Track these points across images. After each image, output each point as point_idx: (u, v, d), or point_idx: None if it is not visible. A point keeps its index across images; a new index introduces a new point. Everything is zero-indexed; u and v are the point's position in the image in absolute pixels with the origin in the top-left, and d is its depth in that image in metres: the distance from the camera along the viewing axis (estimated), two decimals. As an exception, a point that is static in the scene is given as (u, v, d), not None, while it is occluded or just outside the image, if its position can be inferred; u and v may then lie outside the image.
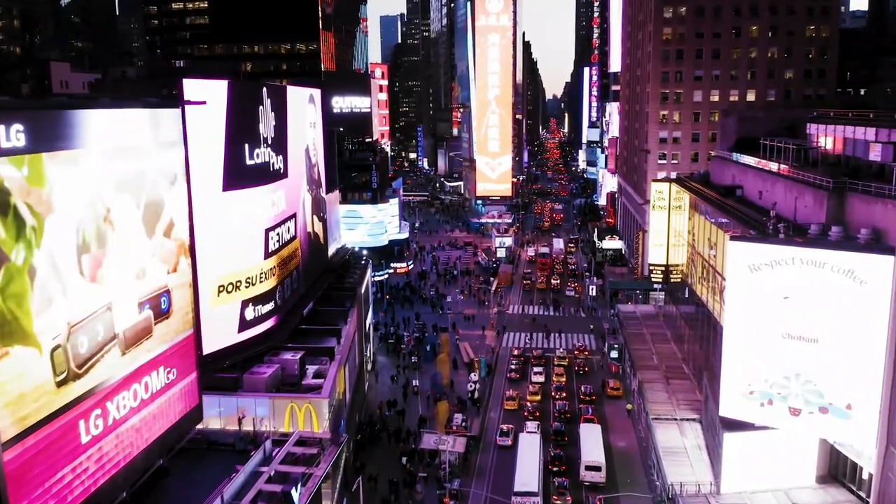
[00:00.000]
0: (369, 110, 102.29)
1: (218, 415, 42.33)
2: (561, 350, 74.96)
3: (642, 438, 57.44)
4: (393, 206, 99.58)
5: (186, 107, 38.89)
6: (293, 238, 53.30)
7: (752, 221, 45.30)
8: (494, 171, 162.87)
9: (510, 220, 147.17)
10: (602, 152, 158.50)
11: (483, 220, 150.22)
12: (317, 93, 62.05)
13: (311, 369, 47.43)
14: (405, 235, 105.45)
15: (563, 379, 68.51)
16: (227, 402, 42.06)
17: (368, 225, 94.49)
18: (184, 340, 34.77)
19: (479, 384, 66.12)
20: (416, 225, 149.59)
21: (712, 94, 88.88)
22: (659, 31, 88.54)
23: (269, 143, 47.88)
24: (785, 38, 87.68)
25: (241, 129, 44.32)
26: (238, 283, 44.48)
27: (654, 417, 52.54)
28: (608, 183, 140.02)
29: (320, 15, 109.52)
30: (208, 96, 41.46)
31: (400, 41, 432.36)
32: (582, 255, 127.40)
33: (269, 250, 47.85)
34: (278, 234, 49.48)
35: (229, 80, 43.50)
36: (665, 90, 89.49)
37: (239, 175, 44.26)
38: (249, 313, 45.75)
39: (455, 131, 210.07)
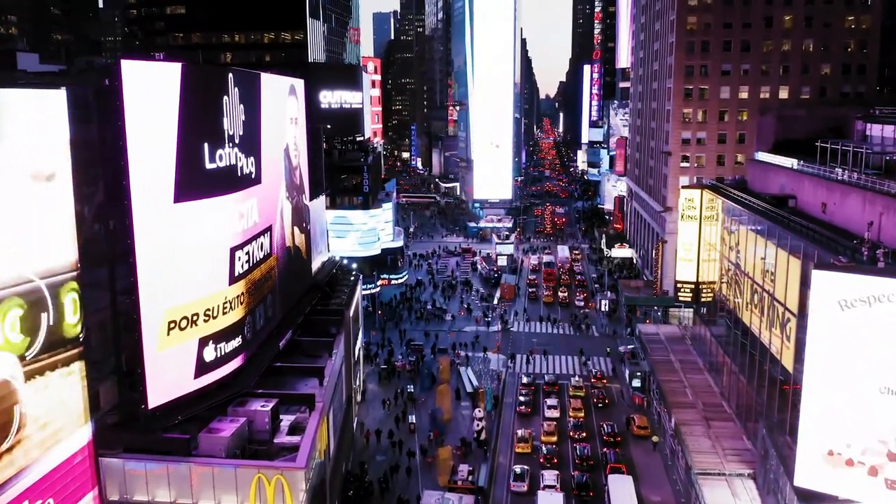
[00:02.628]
0: (360, 106, 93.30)
1: (167, 486, 33.46)
2: (577, 379, 66.21)
3: (680, 492, 48.94)
4: (386, 211, 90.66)
5: (130, 97, 30.27)
6: (268, 256, 44.45)
7: (837, 245, 36.68)
8: (494, 173, 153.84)
9: (510, 225, 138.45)
10: (608, 153, 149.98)
11: (482, 225, 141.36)
12: (299, 83, 53.20)
13: (285, 421, 38.71)
14: (399, 243, 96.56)
15: (581, 414, 59.94)
16: (178, 471, 33.16)
17: (359, 232, 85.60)
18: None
19: (485, 420, 57.43)
20: (411, 230, 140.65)
21: (741, 90, 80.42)
22: (683, 20, 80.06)
23: (237, 142, 39.00)
24: (821, 30, 79.30)
25: (199, 124, 35.48)
26: (194, 317, 35.58)
27: (700, 472, 44.06)
28: (615, 186, 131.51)
29: (307, 1, 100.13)
30: (156, 82, 32.67)
31: (393, 37, 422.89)
32: (589, 264, 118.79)
33: (236, 274, 38.98)
34: (248, 253, 40.60)
35: (183, 62, 34.57)
36: (689, 86, 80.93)
37: (196, 182, 35.39)
38: (209, 353, 36.84)
39: (451, 130, 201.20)
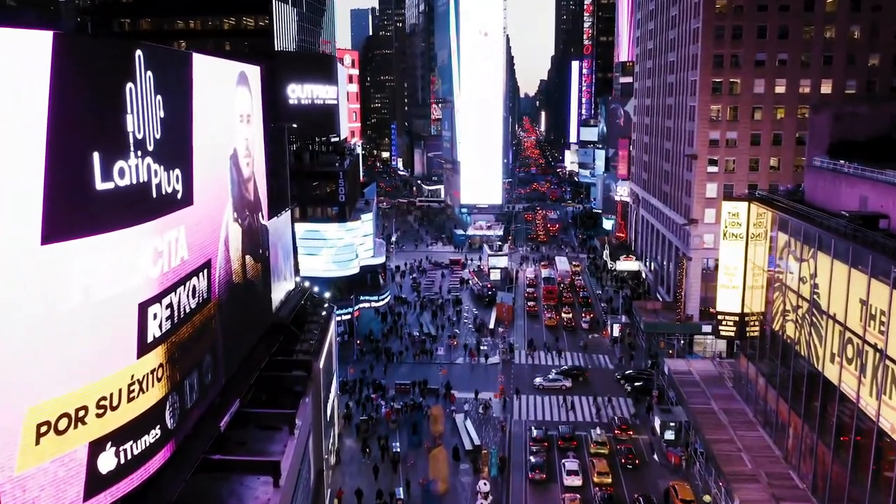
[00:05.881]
0: (335, 102, 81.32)
1: None
2: (598, 433, 54.74)
3: None
4: (366, 223, 78.75)
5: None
6: (205, 302, 32.55)
7: None
8: (482, 176, 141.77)
9: (501, 233, 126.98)
10: (607, 153, 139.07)
11: (470, 233, 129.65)
12: (253, 70, 41.24)
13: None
14: (381, 259, 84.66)
15: (609, 480, 48.74)
16: None
17: (334, 249, 73.68)
18: None
19: (491, 493, 45.92)
20: (393, 238, 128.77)
21: (777, 83, 69.49)
22: (711, 2, 68.93)
23: (151, 148, 27.06)
24: (869, 15, 68.63)
25: (83, 124, 23.57)
26: (81, 413, 23.78)
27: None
28: (617, 190, 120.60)
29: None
30: (11, 61, 20.81)
31: (371, 33, 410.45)
32: (590, 277, 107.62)
33: (150, 339, 27.11)
34: (171, 306, 28.70)
35: (55, 31, 22.52)
36: (717, 79, 69.86)
37: (79, 211, 23.54)
38: (107, 461, 24.93)
39: (434, 129, 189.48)
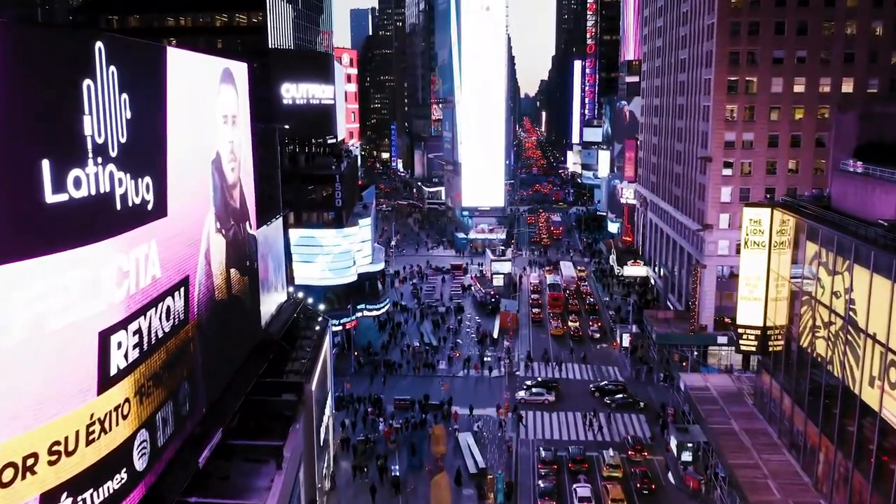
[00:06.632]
0: (332, 102, 77.91)
1: None
2: (611, 454, 51.32)
3: None
4: (364, 228, 75.38)
5: None
6: (181, 324, 29.33)
7: None
8: (484, 178, 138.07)
9: (504, 236, 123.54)
10: (611, 154, 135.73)
11: (472, 236, 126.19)
12: (239, 68, 37.98)
13: None
14: (380, 266, 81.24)
15: (624, 507, 45.35)
16: None
17: (330, 256, 70.34)
18: None
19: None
20: (393, 242, 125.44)
21: (796, 82, 66.12)
22: (727, -5, 65.66)
23: (115, 154, 23.81)
24: (892, 10, 65.33)
25: (31, 127, 20.27)
26: (30, 461, 20.63)
27: None
28: (622, 192, 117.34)
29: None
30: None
31: (371, 33, 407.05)
32: (596, 283, 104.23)
33: (113, 372, 23.90)
34: (139, 333, 25.47)
35: (1, 20, 19.26)
36: (733, 77, 66.47)
37: (27, 227, 20.39)
38: (61, 515, 21.65)
39: (434, 130, 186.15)
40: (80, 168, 21.83)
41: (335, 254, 70.43)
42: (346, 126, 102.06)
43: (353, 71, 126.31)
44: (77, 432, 22.16)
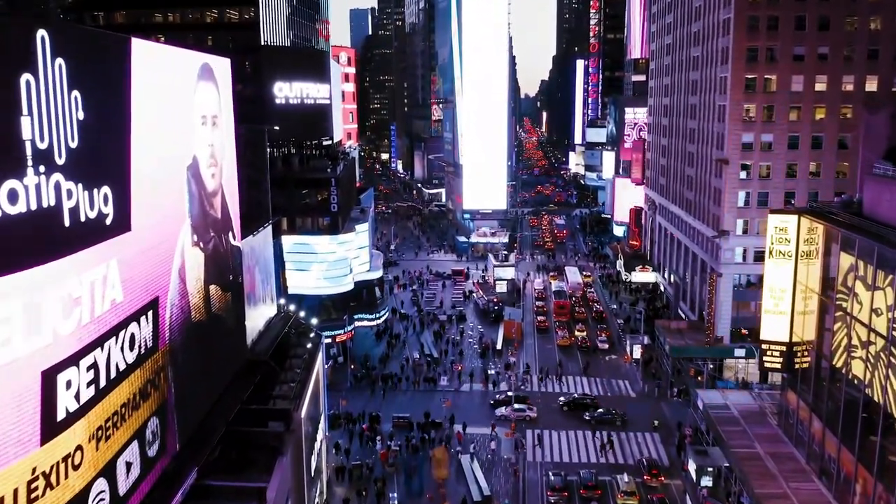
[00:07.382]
0: (328, 101, 74.35)
1: None
2: (626, 479, 47.77)
3: None
4: (361, 234, 71.88)
5: None
6: (149, 352, 25.89)
7: None
8: (486, 179, 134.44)
9: (506, 240, 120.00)
10: (616, 155, 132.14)
11: (474, 240, 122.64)
12: (220, 63, 34.50)
13: None
14: (378, 273, 77.67)
15: (642, 541, 41.83)
16: None
17: (325, 264, 66.84)
18: None
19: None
20: (392, 247, 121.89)
21: (817, 80, 62.62)
22: (744, -11, 62.14)
23: (63, 161, 20.33)
24: (918, 4, 61.88)
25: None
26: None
27: None
28: (627, 195, 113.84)
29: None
30: None
31: (371, 33, 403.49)
32: (602, 289, 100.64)
33: (61, 416, 20.49)
34: (94, 368, 22.04)
35: None
36: (751, 75, 62.92)
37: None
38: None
39: (435, 130, 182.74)
40: (15, 179, 18.34)
41: (330, 261, 66.92)
42: (343, 127, 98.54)
43: (352, 70, 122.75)
44: (15, 491, 18.69)
